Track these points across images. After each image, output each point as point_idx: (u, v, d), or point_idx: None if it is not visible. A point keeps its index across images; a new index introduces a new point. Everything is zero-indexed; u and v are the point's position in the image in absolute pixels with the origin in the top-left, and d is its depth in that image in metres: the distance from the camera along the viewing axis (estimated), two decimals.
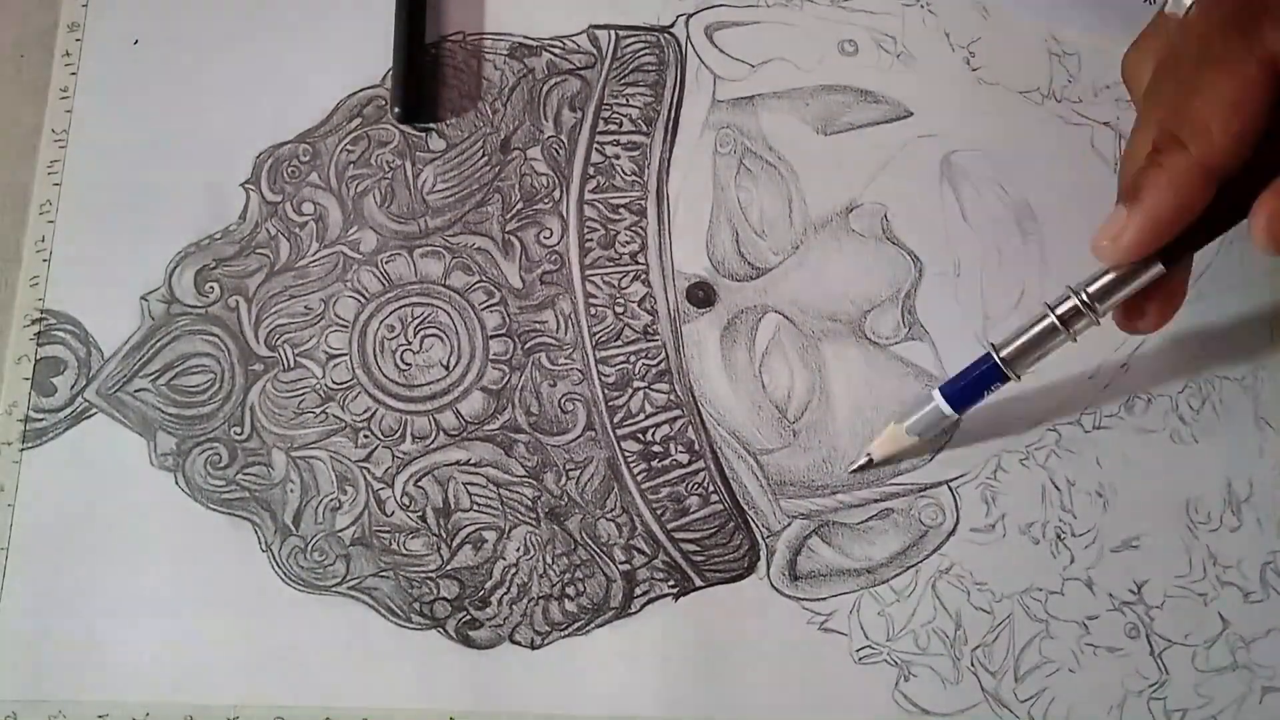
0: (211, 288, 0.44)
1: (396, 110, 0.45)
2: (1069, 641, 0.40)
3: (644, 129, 0.46)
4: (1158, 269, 0.36)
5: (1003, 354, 0.38)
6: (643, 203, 0.45)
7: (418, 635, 0.41)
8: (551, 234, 0.45)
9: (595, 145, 0.45)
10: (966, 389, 0.39)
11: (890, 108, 0.46)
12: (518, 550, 0.42)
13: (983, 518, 0.41)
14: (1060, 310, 0.38)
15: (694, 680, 0.40)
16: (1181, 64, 0.35)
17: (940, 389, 0.40)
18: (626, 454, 0.42)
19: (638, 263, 0.44)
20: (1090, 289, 0.37)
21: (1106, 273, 0.37)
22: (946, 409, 0.40)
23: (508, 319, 0.44)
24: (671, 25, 0.47)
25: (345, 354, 0.44)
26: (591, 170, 0.45)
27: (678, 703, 0.40)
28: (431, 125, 0.46)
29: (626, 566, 0.41)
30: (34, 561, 0.42)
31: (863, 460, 0.42)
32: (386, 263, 0.44)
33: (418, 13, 0.46)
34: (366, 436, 0.43)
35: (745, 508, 0.42)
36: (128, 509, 0.42)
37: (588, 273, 0.44)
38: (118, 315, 0.44)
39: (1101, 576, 0.41)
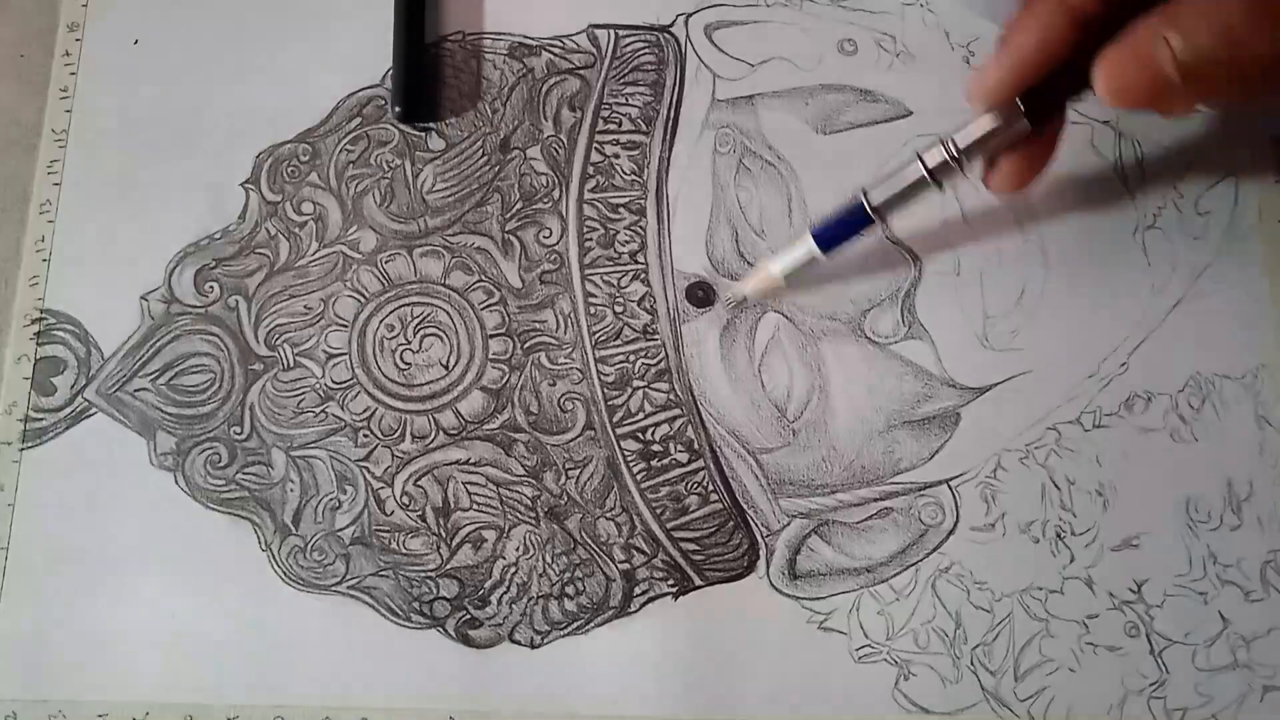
0: (211, 287, 0.44)
1: (397, 110, 0.45)
2: (1069, 640, 0.40)
3: (643, 128, 0.46)
4: (1023, 124, 0.37)
5: (873, 201, 0.40)
6: (642, 202, 0.45)
7: (417, 635, 0.41)
8: (551, 233, 0.45)
9: (595, 145, 0.45)
10: (834, 230, 0.41)
11: (890, 107, 0.46)
12: (517, 549, 0.42)
13: (982, 516, 0.41)
14: (930, 162, 0.39)
15: (694, 680, 0.40)
16: None
17: (811, 229, 0.41)
18: (626, 453, 0.42)
19: (637, 262, 0.44)
20: (959, 141, 0.38)
21: (976, 125, 0.38)
22: (815, 250, 0.41)
23: (507, 318, 0.44)
24: (671, 25, 0.47)
25: (345, 353, 0.44)
26: (591, 170, 0.45)
27: (678, 702, 0.40)
28: (431, 125, 0.46)
29: (626, 566, 0.41)
30: (34, 561, 0.42)
31: (736, 298, 0.43)
32: (386, 262, 0.44)
33: (417, 12, 0.46)
34: (366, 436, 0.43)
35: (745, 507, 0.42)
36: (128, 509, 0.42)
37: (587, 272, 0.44)
38: (118, 315, 0.44)
39: (1101, 575, 0.41)
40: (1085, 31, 0.35)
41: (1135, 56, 0.34)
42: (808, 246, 0.41)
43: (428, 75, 0.46)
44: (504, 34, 0.47)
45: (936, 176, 0.39)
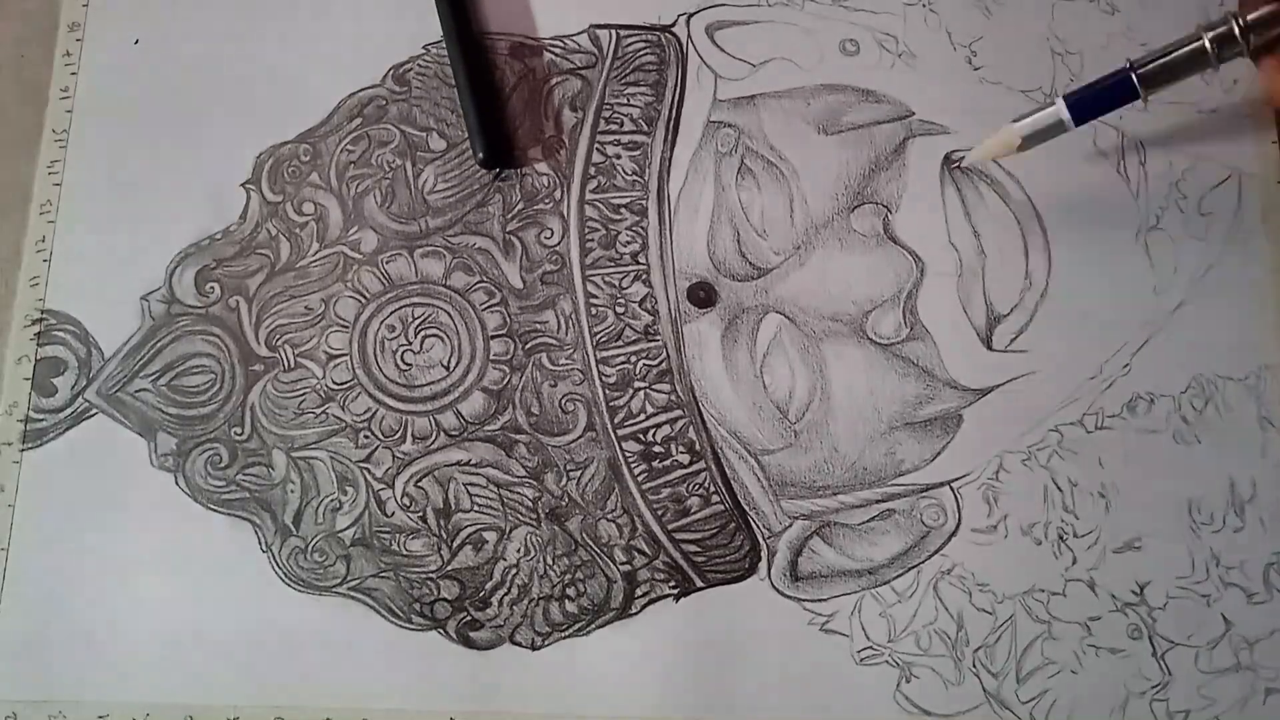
0: (212, 288, 0.44)
1: (480, 155, 0.44)
2: (1071, 643, 0.40)
3: (645, 129, 0.46)
4: None
5: (1139, 71, 0.38)
6: (644, 203, 0.45)
7: (418, 636, 0.41)
8: (552, 234, 0.45)
9: (596, 145, 0.45)
10: (1092, 99, 0.38)
11: (892, 107, 0.46)
12: (518, 551, 0.42)
13: (984, 518, 0.41)
14: (1213, 33, 0.37)
15: (694, 681, 0.40)
16: None
17: (1064, 95, 0.38)
18: (627, 454, 0.42)
19: (639, 263, 0.44)
20: (1250, 16, 0.37)
21: (1270, 5, 0.37)
22: (1065, 116, 0.38)
23: (508, 319, 0.44)
24: (672, 25, 0.47)
25: (345, 354, 0.44)
26: (592, 170, 0.45)
27: (678, 703, 0.40)
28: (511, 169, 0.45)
29: (627, 567, 0.41)
30: (34, 561, 0.42)
31: (970, 160, 0.42)
32: (387, 263, 0.44)
33: (480, 55, 0.46)
34: (367, 437, 0.43)
35: (746, 508, 0.42)
36: (128, 509, 0.42)
37: (588, 273, 0.44)
38: (118, 315, 0.44)
39: (1104, 577, 0.41)
40: None
41: None
42: (1058, 112, 0.39)
43: (504, 120, 0.46)
44: (505, 34, 0.47)
45: (1218, 50, 0.37)
